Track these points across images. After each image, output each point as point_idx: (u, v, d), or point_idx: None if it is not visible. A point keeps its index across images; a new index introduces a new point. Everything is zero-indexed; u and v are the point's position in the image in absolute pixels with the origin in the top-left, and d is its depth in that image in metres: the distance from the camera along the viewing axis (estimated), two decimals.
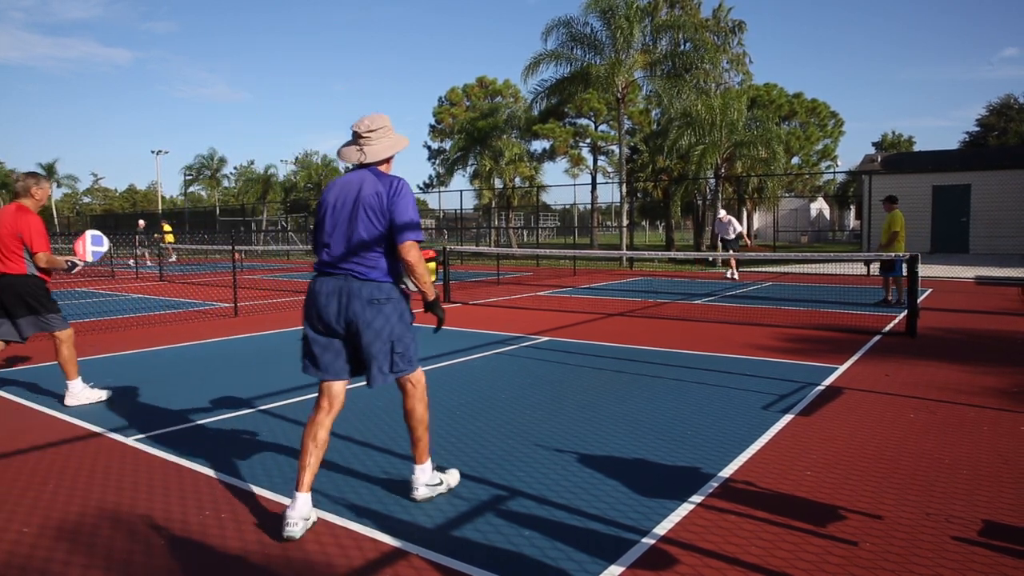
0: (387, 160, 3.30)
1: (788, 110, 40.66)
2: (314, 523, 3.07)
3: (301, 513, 2.99)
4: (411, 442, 3.37)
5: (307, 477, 3.05)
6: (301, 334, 3.28)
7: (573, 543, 2.88)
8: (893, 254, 8.91)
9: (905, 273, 8.43)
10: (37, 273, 5.21)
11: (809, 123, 42.31)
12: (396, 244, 3.14)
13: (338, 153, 3.37)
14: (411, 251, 3.14)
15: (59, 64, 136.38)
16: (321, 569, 2.70)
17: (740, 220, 31.17)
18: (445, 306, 11.53)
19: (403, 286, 3.34)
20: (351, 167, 3.31)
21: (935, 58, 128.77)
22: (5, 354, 5.33)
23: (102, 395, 5.36)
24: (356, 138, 3.26)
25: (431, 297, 3.38)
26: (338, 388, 3.21)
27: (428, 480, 3.37)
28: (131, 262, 24.27)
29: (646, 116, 35.62)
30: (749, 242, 17.32)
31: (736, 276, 16.51)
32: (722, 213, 18.06)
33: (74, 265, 5.39)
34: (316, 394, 3.23)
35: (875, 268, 11.45)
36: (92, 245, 5.64)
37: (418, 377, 3.38)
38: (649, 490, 3.45)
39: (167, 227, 27.64)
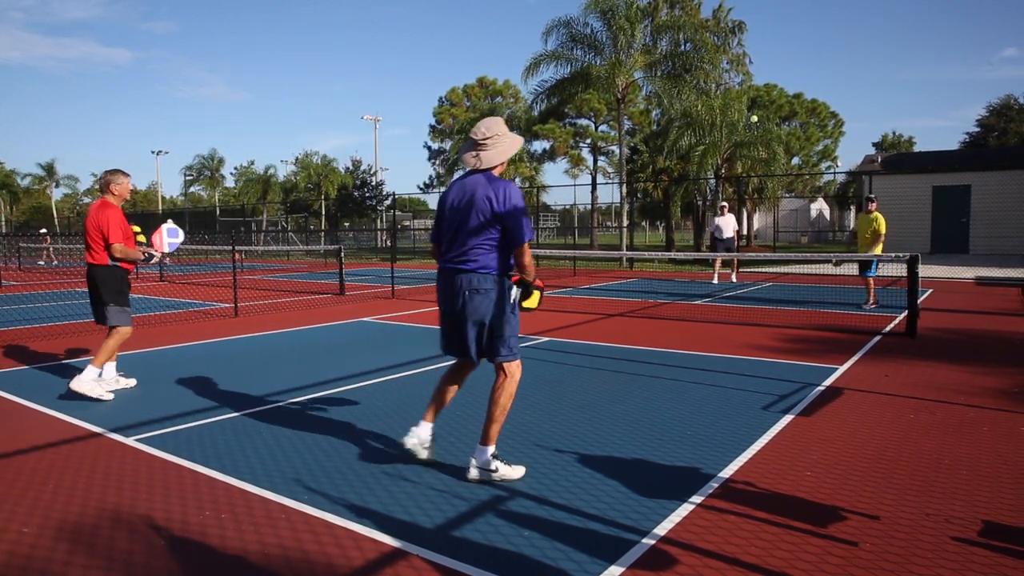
0: (499, 165, 3.64)
1: (788, 110, 40.67)
2: (428, 449, 3.77)
3: (417, 433, 3.73)
4: (484, 422, 3.65)
5: (428, 411, 3.82)
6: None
7: (573, 543, 2.88)
8: (875, 255, 8.84)
9: (906, 274, 8.43)
10: (119, 264, 5.59)
11: (809, 123, 42.32)
12: (510, 246, 3.51)
13: (460, 158, 3.79)
14: (524, 255, 3.50)
15: (59, 64, 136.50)
16: (321, 569, 2.70)
17: (740, 221, 31.22)
18: None
19: (507, 279, 3.58)
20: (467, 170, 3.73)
21: (935, 58, 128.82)
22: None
23: (106, 395, 5.39)
24: (473, 144, 3.62)
25: (540, 285, 3.69)
26: (468, 364, 3.75)
27: (482, 463, 3.56)
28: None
29: (646, 116, 35.65)
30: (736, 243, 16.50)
31: (735, 277, 16.01)
32: (724, 205, 16.85)
33: (151, 256, 5.86)
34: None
35: (852, 268, 11.11)
36: (168, 237, 6.10)
37: (513, 368, 3.62)
38: (649, 490, 3.45)
39: (136, 228, 27.35)
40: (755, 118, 5.53)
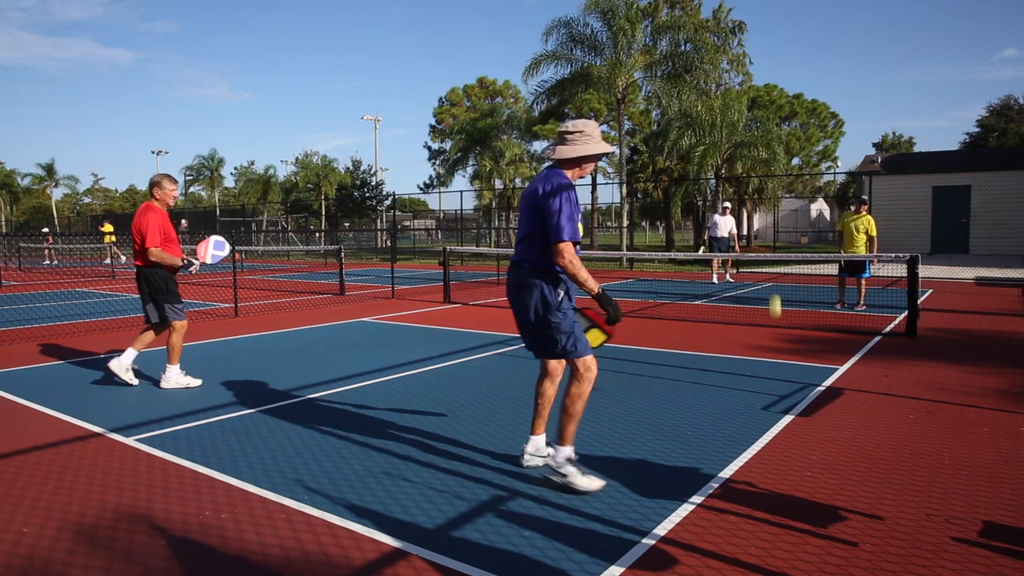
0: (575, 163, 3.50)
1: (788, 111, 40.67)
2: (545, 459, 3.65)
3: (530, 448, 3.72)
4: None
5: (536, 423, 3.73)
6: None
7: (573, 543, 2.88)
8: (870, 255, 8.93)
9: (906, 274, 8.43)
10: (160, 266, 5.77)
11: (809, 124, 42.32)
12: (548, 244, 3.39)
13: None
14: (560, 254, 3.31)
15: (59, 64, 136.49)
16: (321, 569, 2.70)
17: (740, 221, 31.20)
18: (444, 307, 11.55)
19: (563, 278, 3.48)
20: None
21: (935, 59, 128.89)
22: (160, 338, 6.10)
23: (193, 383, 5.74)
24: (559, 138, 3.54)
25: (595, 291, 3.42)
26: (551, 365, 3.66)
27: (557, 464, 3.47)
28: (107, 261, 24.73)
29: (646, 116, 35.65)
30: (738, 247, 16.13)
31: (730, 277, 15.70)
32: (727, 205, 16.33)
33: (190, 263, 5.96)
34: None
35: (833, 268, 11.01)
36: (213, 249, 6.23)
37: (587, 364, 3.46)
38: (649, 490, 3.45)
39: (108, 227, 27.11)
40: (776, 309, 5.04)
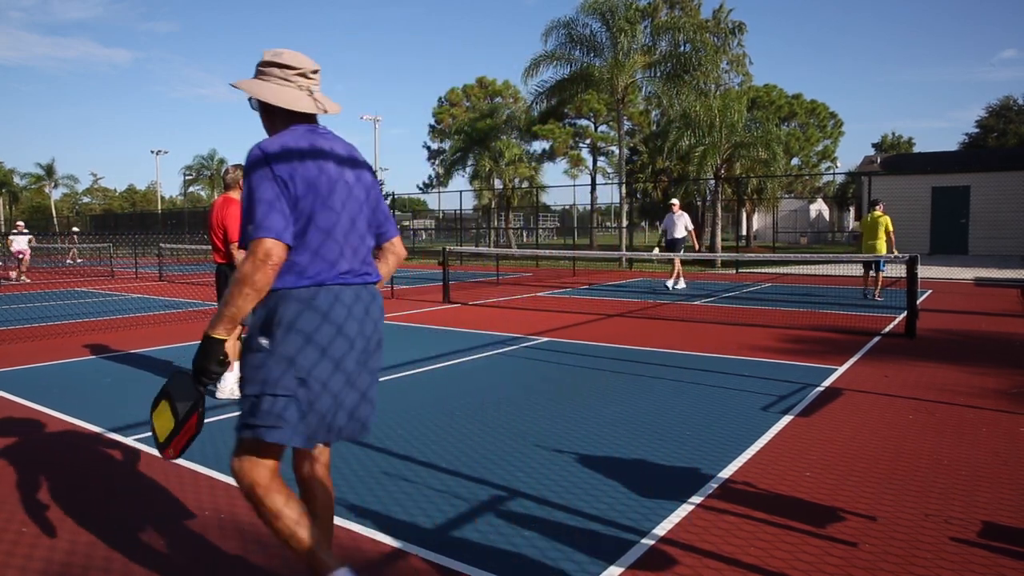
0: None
1: (788, 111, 40.68)
2: None
3: None
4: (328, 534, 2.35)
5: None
6: None
7: (573, 544, 2.89)
8: (888, 254, 9.18)
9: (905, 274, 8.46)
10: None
11: (809, 124, 42.33)
12: None
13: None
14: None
15: (58, 64, 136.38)
16: None
17: (739, 221, 31.18)
18: (444, 307, 11.55)
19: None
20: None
21: (935, 59, 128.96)
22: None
23: None
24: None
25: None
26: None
27: None
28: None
29: (646, 117, 35.68)
30: (697, 245, 15.15)
31: (682, 284, 14.19)
32: (675, 204, 14.75)
33: None
34: None
35: (859, 269, 12.70)
36: None
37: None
38: (648, 491, 3.45)
39: (76, 229, 27.27)
40: None
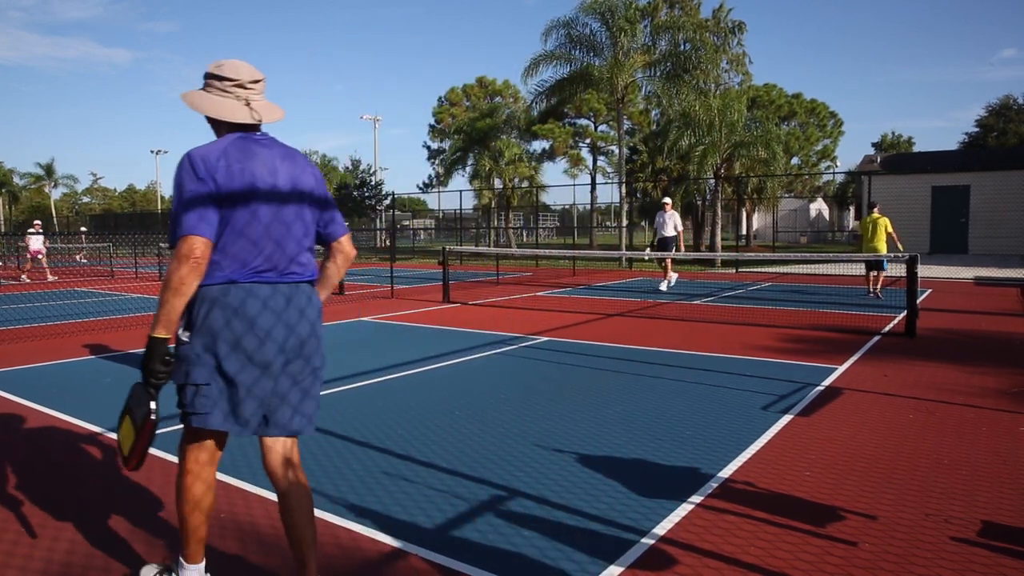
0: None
1: (788, 110, 40.67)
2: None
3: None
4: (304, 560, 2.39)
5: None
6: None
7: (573, 543, 2.89)
8: (889, 254, 9.21)
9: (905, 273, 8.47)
10: None
11: (808, 123, 42.32)
12: None
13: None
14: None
15: (58, 64, 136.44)
16: (321, 569, 2.70)
17: (739, 220, 31.17)
18: (444, 307, 11.54)
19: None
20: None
21: (934, 59, 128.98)
22: None
23: None
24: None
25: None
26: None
27: None
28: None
29: (646, 116, 35.66)
30: (682, 247, 14.38)
31: (673, 280, 13.93)
32: (667, 203, 14.34)
33: None
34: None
35: (859, 268, 13.03)
36: None
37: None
38: (648, 490, 3.45)
39: (84, 228, 27.20)
40: None
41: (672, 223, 13.78)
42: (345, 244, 2.55)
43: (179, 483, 2.36)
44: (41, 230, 21.61)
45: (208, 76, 2.36)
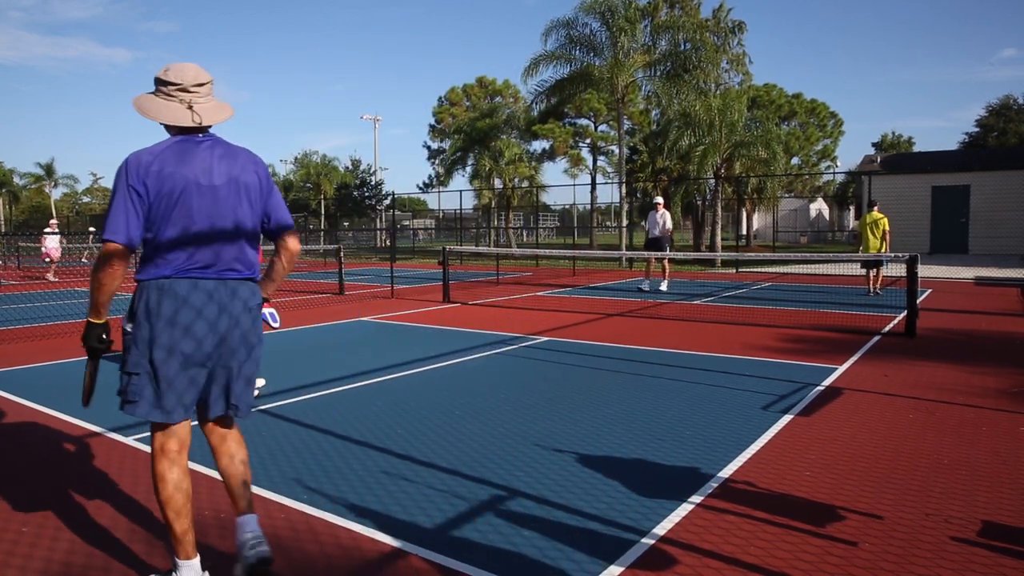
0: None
1: (788, 110, 40.65)
2: None
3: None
4: (245, 497, 2.60)
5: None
6: None
7: (573, 543, 2.89)
8: (888, 254, 9.62)
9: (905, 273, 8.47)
10: None
11: (808, 123, 42.31)
12: None
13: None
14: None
15: (58, 64, 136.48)
16: (321, 569, 2.70)
17: (739, 220, 31.16)
18: (444, 307, 11.54)
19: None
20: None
21: (934, 59, 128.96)
22: None
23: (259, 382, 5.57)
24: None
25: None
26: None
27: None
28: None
29: (646, 116, 35.64)
30: (669, 249, 14.35)
31: (646, 287, 13.69)
32: (659, 202, 13.99)
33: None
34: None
35: (859, 268, 13.31)
36: (272, 321, 5.77)
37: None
38: (648, 490, 3.45)
39: (92, 229, 26.82)
40: None
41: (662, 223, 13.56)
42: (289, 240, 2.67)
43: (153, 470, 2.48)
44: (57, 230, 21.49)
45: (156, 80, 2.47)
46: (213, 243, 2.42)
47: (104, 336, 2.46)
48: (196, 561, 2.50)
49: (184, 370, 2.40)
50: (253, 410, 2.66)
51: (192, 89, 2.45)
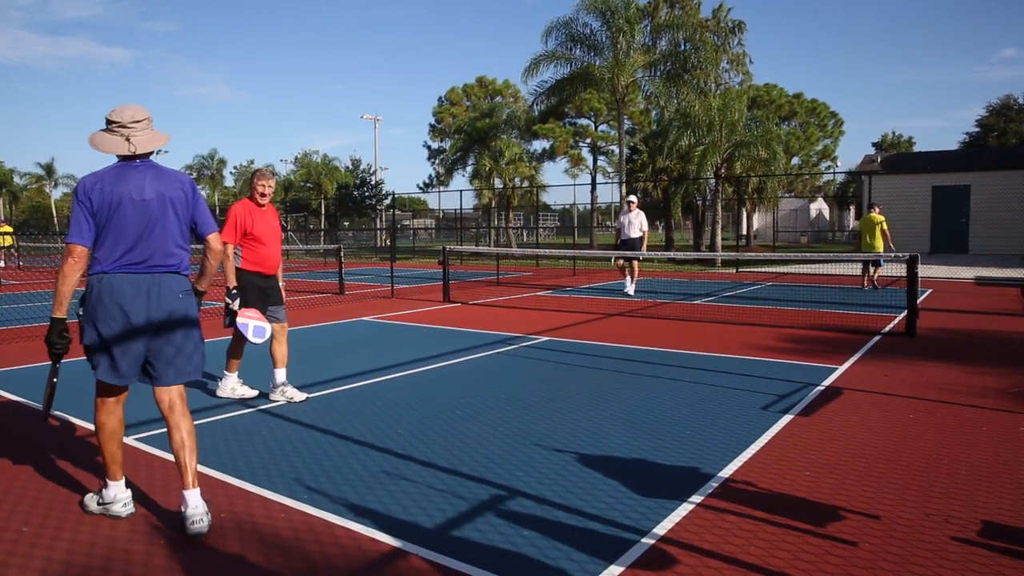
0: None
1: (788, 110, 40.64)
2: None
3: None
4: (190, 469, 3.08)
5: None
6: None
7: (573, 543, 2.89)
8: (887, 253, 9.94)
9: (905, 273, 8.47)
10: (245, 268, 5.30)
11: (809, 123, 42.30)
12: None
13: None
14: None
15: (58, 63, 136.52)
16: (321, 569, 2.70)
17: (739, 220, 31.15)
18: (444, 306, 11.54)
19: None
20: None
21: (935, 59, 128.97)
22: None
23: (248, 393, 5.46)
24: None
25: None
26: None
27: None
28: None
29: (646, 116, 35.64)
30: (643, 249, 13.37)
31: (631, 289, 13.16)
32: (632, 201, 13.27)
33: (235, 297, 5.06)
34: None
35: (859, 268, 13.98)
36: (254, 335, 5.13)
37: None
38: (648, 490, 3.45)
39: (7, 228, 26.06)
40: None
41: (638, 223, 13.01)
42: (211, 241, 3.28)
43: (95, 419, 3.21)
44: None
45: (105, 120, 3.14)
46: (144, 244, 3.05)
47: (64, 332, 3.05)
48: (121, 482, 3.24)
49: (120, 343, 3.03)
50: (202, 373, 3.29)
51: (130, 125, 3.09)
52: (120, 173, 3.07)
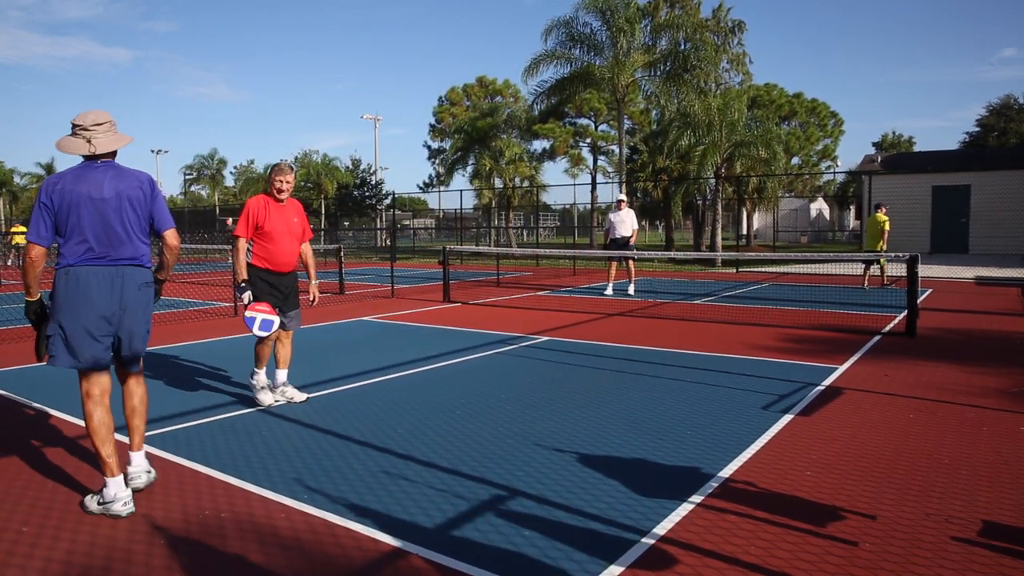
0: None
1: (788, 110, 40.64)
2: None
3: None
4: (139, 432, 3.58)
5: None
6: None
7: (573, 543, 2.88)
8: (890, 253, 9.91)
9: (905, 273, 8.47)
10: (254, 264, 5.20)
11: (809, 123, 42.29)
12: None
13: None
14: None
15: (58, 63, 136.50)
16: (321, 569, 2.70)
17: (740, 220, 31.15)
18: (444, 306, 11.55)
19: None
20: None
21: (935, 58, 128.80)
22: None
23: (298, 397, 5.22)
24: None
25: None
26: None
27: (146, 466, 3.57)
28: None
29: (646, 116, 35.65)
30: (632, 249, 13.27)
31: (631, 289, 12.93)
32: (623, 200, 13.03)
33: (244, 290, 5.01)
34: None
35: (859, 268, 14.17)
36: (260, 328, 4.92)
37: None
38: (649, 490, 3.45)
39: (22, 228, 25.86)
40: None
41: (630, 221, 12.74)
42: (168, 237, 3.51)
43: (83, 410, 3.37)
44: None
45: (71, 124, 3.34)
46: (104, 239, 3.27)
47: (39, 310, 3.39)
48: (120, 478, 3.29)
49: (87, 331, 3.25)
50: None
51: (91, 128, 3.31)
52: (81, 174, 3.29)
